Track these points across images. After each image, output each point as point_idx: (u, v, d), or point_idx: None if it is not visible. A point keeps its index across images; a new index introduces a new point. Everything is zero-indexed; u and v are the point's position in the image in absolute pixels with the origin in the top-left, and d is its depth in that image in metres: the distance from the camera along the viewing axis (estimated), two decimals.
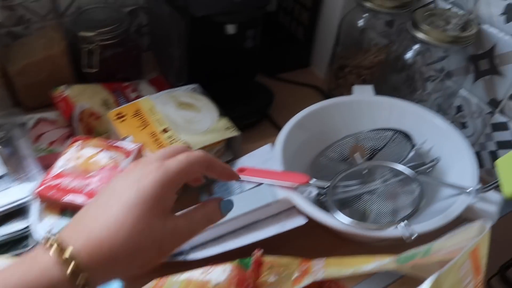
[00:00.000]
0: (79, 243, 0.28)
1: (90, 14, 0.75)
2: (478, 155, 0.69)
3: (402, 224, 0.44)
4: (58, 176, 0.49)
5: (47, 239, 0.28)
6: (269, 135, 0.69)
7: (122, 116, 0.60)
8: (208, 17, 0.61)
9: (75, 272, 0.27)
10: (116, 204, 0.29)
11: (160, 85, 0.79)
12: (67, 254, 0.27)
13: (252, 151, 0.70)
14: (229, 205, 0.36)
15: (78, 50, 0.72)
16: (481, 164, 0.69)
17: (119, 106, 0.68)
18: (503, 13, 0.59)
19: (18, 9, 0.73)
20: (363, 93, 0.65)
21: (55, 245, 0.27)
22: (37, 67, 0.70)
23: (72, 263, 0.27)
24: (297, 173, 0.52)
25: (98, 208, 0.30)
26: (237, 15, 0.61)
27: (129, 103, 0.62)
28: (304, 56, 0.90)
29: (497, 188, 0.45)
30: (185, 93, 0.64)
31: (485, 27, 0.62)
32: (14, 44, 0.73)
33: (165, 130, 0.57)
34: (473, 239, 0.31)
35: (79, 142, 0.52)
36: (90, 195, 0.47)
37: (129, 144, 0.51)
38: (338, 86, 0.80)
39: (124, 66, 0.77)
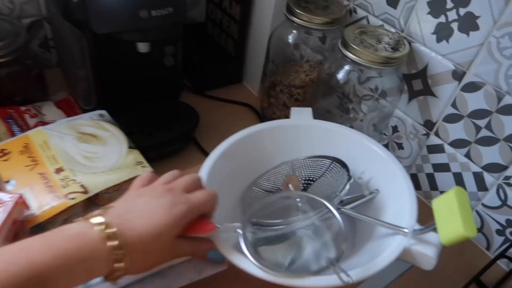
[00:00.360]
0: (121, 230, 0.34)
1: None
2: (415, 177, 0.66)
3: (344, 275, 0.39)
4: None
5: (92, 218, 0.35)
6: (196, 162, 0.62)
7: (7, 154, 0.49)
8: (113, 35, 0.53)
9: (116, 248, 0.33)
10: (151, 216, 0.37)
11: (69, 108, 0.69)
12: (112, 233, 0.34)
13: None
14: (215, 256, 0.42)
15: None
16: (419, 187, 0.66)
17: (12, 136, 0.58)
18: (434, 33, 0.56)
19: None
20: (301, 116, 0.59)
21: (103, 226, 0.34)
22: None
23: (117, 242, 0.33)
24: (202, 221, 0.44)
25: (137, 213, 0.37)
26: (148, 32, 0.53)
27: (16, 137, 0.52)
28: (236, 72, 0.84)
29: (435, 230, 0.40)
30: (89, 121, 0.55)
31: (417, 45, 0.58)
32: None
33: (59, 170, 0.48)
34: None
35: None
36: None
37: (4, 194, 0.41)
38: (270, 105, 0.74)
39: (23, 87, 0.66)
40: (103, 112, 0.57)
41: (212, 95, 0.80)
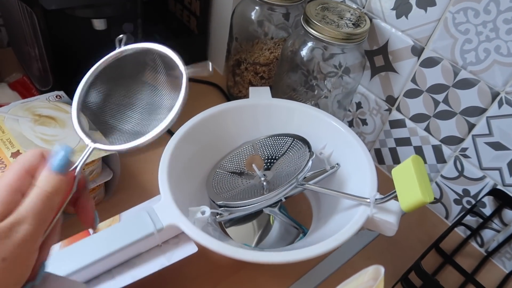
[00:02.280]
0: None
1: None
2: (379, 152, 0.68)
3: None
4: None
5: None
6: (162, 142, 0.61)
7: None
8: (65, 11, 0.50)
9: None
10: None
11: (25, 89, 0.66)
12: None
13: (140, 161, 0.61)
14: (61, 162, 0.27)
15: None
16: (382, 161, 0.68)
17: None
18: (394, 8, 0.56)
19: None
20: (259, 95, 0.59)
21: None
22: None
23: None
24: None
25: None
26: (103, 8, 0.51)
27: None
28: (200, 50, 0.82)
29: (396, 198, 0.42)
30: (46, 103, 0.53)
31: (378, 21, 0.59)
32: None
33: (16, 154, 0.46)
34: (368, 282, 0.27)
35: None
36: None
37: None
38: (236, 84, 0.73)
39: None
40: (61, 93, 0.55)
41: None
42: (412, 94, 0.59)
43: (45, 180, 0.26)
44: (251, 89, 0.60)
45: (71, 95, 0.56)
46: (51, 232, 0.28)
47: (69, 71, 0.61)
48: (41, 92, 0.62)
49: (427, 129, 0.60)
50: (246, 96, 0.71)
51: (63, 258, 0.41)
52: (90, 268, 0.41)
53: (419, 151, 0.62)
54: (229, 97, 0.76)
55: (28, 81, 0.67)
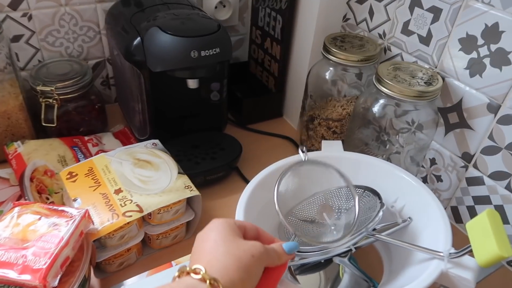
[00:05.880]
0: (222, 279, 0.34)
1: (51, 68, 0.73)
2: (455, 209, 0.66)
3: None
4: None
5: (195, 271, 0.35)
6: (238, 190, 0.66)
7: (74, 176, 0.56)
8: (167, 72, 0.59)
9: None
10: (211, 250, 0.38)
11: (125, 138, 0.77)
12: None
13: (219, 206, 0.67)
14: (292, 246, 0.43)
15: (38, 104, 0.69)
16: (460, 219, 0.66)
17: (78, 161, 0.65)
18: (467, 68, 0.58)
19: None
20: (332, 148, 0.62)
21: (208, 281, 0.34)
22: None
23: None
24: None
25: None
26: (197, 70, 0.60)
27: (82, 162, 0.58)
28: (276, 107, 0.89)
29: (471, 253, 0.41)
30: (144, 149, 0.61)
31: (451, 80, 0.61)
32: None
33: (118, 191, 0.53)
34: None
35: (18, 207, 0.47)
36: (25, 269, 0.42)
37: (73, 209, 0.47)
38: (309, 138, 0.77)
39: (87, 120, 0.74)
40: (156, 141, 0.63)
41: (254, 128, 0.85)
42: (490, 151, 0.59)
43: (278, 246, 0.42)
44: (323, 142, 0.63)
45: (164, 144, 0.65)
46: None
47: (164, 123, 0.70)
48: (139, 141, 0.72)
49: (508, 188, 0.58)
50: (318, 149, 0.75)
51: (147, 284, 0.46)
52: None
53: (500, 210, 0.60)
54: None
55: (129, 131, 0.77)
